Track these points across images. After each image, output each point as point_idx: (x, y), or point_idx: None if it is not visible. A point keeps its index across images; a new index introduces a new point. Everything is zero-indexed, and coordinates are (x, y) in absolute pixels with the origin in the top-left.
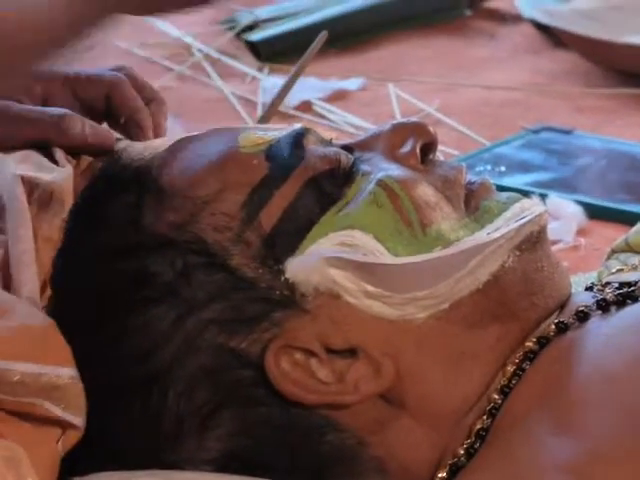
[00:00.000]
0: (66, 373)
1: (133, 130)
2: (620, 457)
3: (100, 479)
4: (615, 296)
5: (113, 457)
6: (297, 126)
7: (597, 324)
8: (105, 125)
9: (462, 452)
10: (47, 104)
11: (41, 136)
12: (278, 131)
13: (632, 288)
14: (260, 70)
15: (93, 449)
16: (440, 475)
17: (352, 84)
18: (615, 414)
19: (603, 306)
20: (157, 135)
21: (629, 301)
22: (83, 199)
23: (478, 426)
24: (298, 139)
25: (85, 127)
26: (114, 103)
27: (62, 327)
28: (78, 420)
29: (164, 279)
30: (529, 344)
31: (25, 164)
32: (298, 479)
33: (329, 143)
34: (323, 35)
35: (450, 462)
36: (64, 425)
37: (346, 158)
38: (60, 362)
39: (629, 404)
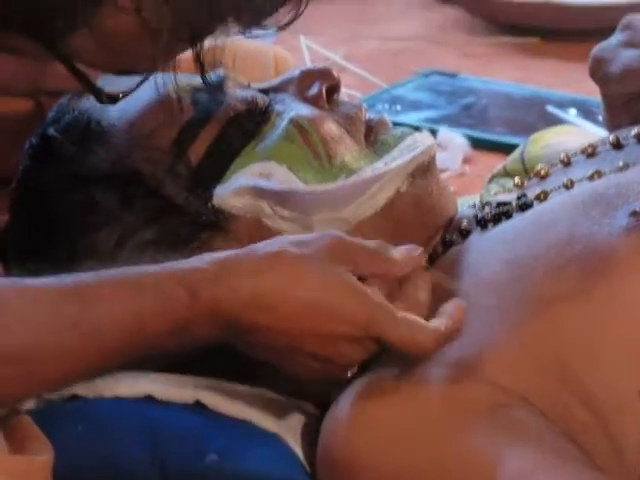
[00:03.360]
0: None
1: None
2: (496, 353)
3: None
4: (492, 215)
5: None
6: (218, 72)
7: (477, 239)
8: None
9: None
10: None
11: None
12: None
13: (506, 207)
14: None
15: None
16: (349, 373)
17: (268, 37)
18: (492, 315)
19: (482, 223)
20: None
21: (504, 218)
22: (37, 139)
23: None
24: (219, 84)
25: None
26: None
27: (18, 250)
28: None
29: (107, 206)
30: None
31: None
32: (227, 377)
33: (247, 87)
34: None
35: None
36: None
37: (262, 100)
38: None
39: (503, 306)
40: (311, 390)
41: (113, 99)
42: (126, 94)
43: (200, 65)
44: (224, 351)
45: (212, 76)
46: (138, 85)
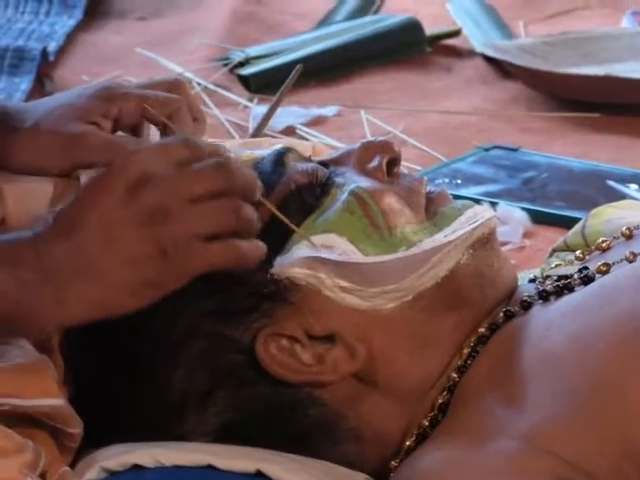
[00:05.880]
0: (50, 403)
1: None
2: (560, 427)
3: (116, 448)
4: (554, 287)
5: (128, 432)
6: (279, 146)
7: (539, 311)
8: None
9: (427, 423)
10: (119, 123)
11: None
12: (264, 150)
13: (568, 280)
14: (250, 100)
15: (110, 426)
16: (408, 443)
17: (329, 111)
18: (555, 388)
19: (544, 296)
20: None
21: (566, 291)
22: None
23: (440, 401)
24: (280, 157)
25: None
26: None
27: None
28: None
29: None
30: (482, 330)
31: None
32: (285, 447)
33: (308, 159)
34: (299, 67)
35: (416, 432)
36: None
37: (322, 172)
38: (46, 394)
39: (567, 379)
40: (368, 461)
41: None
42: None
43: None
44: (279, 421)
45: (274, 149)
46: None
